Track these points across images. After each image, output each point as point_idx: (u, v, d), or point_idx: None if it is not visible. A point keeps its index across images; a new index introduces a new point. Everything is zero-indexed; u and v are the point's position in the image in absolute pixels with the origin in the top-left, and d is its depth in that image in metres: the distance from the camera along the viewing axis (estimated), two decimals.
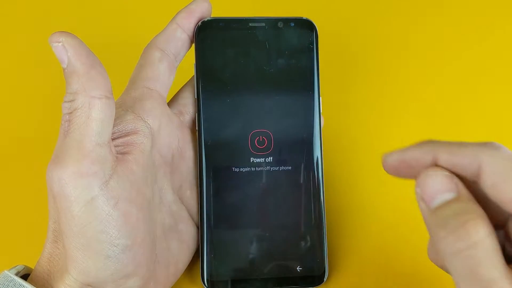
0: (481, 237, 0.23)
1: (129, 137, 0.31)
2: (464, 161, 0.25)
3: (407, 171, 0.27)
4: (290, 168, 0.36)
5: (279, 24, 0.36)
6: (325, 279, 0.36)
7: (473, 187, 0.25)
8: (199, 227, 0.35)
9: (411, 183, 0.40)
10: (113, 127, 0.30)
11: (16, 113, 0.44)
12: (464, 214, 0.23)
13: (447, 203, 0.24)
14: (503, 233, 0.26)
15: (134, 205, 0.29)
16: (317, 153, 0.36)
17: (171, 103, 0.36)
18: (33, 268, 0.31)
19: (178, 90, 0.37)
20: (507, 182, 0.24)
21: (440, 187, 0.25)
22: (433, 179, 0.25)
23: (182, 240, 0.34)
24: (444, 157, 0.25)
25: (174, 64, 0.35)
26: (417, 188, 0.25)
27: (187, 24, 0.35)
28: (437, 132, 0.43)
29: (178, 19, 0.35)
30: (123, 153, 0.30)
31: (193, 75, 0.36)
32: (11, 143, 0.43)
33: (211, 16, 0.36)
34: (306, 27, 0.37)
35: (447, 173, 0.25)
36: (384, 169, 0.28)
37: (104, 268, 0.28)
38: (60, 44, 0.27)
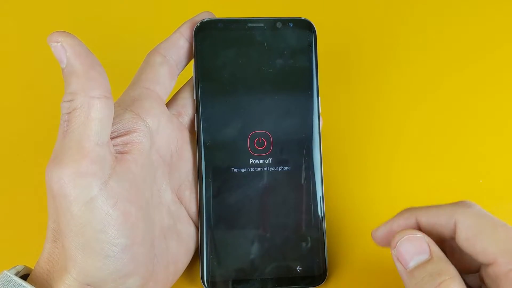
0: None
1: (128, 136, 0.31)
2: (442, 221, 0.28)
3: None
4: (289, 168, 0.36)
5: (277, 24, 0.36)
6: (325, 279, 0.36)
7: (451, 242, 0.29)
8: (199, 228, 0.35)
9: (410, 184, 0.41)
10: (112, 125, 0.30)
11: (15, 113, 0.45)
12: (438, 275, 0.26)
13: (422, 264, 0.27)
14: (478, 275, 0.30)
15: (133, 204, 0.29)
16: (316, 153, 0.36)
17: (169, 104, 0.36)
18: (32, 268, 0.31)
19: (176, 91, 0.37)
20: (478, 236, 0.27)
21: (414, 250, 0.28)
22: (407, 243, 0.28)
23: (181, 240, 0.34)
24: (424, 220, 0.29)
25: (175, 70, 0.35)
26: (392, 251, 0.28)
27: (191, 35, 0.36)
28: (435, 131, 0.43)
29: (182, 29, 0.36)
30: (122, 153, 0.30)
31: (192, 76, 0.36)
32: (10, 143, 0.43)
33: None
34: (304, 27, 0.37)
35: (419, 234, 0.28)
36: (376, 243, 0.31)
37: (103, 267, 0.28)
38: (59, 44, 0.27)
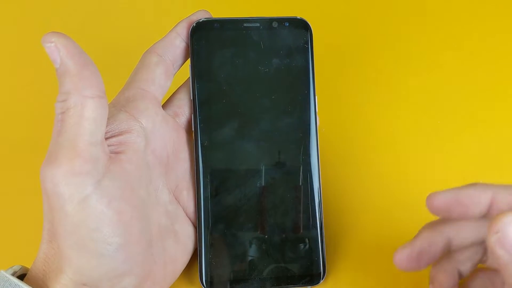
0: None
1: (122, 136, 0.31)
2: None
3: (458, 210, 0.28)
4: (287, 168, 0.36)
5: (273, 24, 0.36)
6: (323, 278, 0.36)
7: None
8: (197, 228, 0.35)
9: (409, 182, 0.40)
10: (106, 126, 0.30)
11: (11, 113, 0.45)
12: None
13: None
14: None
15: (128, 204, 0.29)
16: (314, 152, 0.36)
17: (166, 104, 0.36)
18: (29, 268, 0.31)
19: (173, 92, 0.37)
20: None
21: None
22: None
23: (179, 240, 0.34)
24: (503, 196, 0.27)
25: (171, 70, 0.35)
26: (493, 236, 0.25)
27: (187, 34, 0.36)
28: (434, 131, 0.43)
29: (179, 29, 0.36)
30: (117, 153, 0.30)
31: (189, 77, 0.36)
32: (7, 144, 0.43)
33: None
34: (300, 26, 0.37)
35: None
36: (430, 208, 0.29)
37: (99, 266, 0.28)
38: (52, 44, 0.27)
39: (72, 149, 0.27)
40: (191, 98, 0.36)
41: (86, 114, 0.28)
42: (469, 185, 0.28)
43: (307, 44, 0.37)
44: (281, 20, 0.37)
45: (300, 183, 0.36)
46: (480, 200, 0.27)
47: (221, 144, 0.36)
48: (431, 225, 0.30)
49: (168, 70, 0.35)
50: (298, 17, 0.37)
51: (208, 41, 0.36)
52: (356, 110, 0.44)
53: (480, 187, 0.28)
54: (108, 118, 0.30)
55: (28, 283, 0.29)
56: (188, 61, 0.36)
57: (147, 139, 0.33)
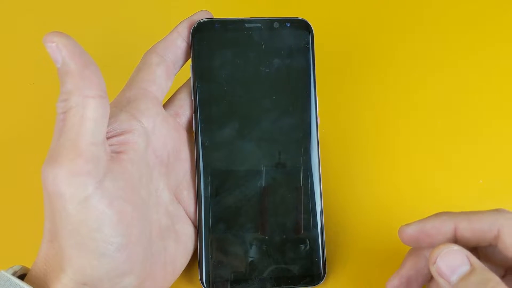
0: None
1: (123, 136, 0.31)
2: (483, 227, 0.29)
3: (426, 241, 0.30)
4: (287, 168, 0.36)
5: (275, 24, 0.36)
6: (323, 278, 0.36)
7: (486, 248, 0.30)
8: (198, 228, 0.35)
9: (410, 182, 0.40)
10: (108, 126, 0.30)
11: (11, 113, 0.45)
12: (486, 283, 0.26)
13: (465, 276, 0.27)
14: None
15: (129, 204, 0.29)
16: (314, 153, 0.36)
17: (167, 104, 0.36)
18: (30, 268, 0.31)
19: (174, 92, 0.37)
20: None
21: (455, 263, 0.28)
22: (446, 257, 0.28)
23: (179, 240, 0.34)
24: (463, 225, 0.29)
25: (172, 70, 0.35)
26: (432, 267, 0.28)
27: (189, 34, 0.36)
28: (434, 131, 0.43)
29: (180, 29, 0.36)
30: (118, 153, 0.30)
31: (190, 77, 0.36)
32: (7, 144, 0.43)
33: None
34: (302, 27, 0.37)
35: (456, 247, 0.28)
36: (402, 240, 0.31)
37: (99, 266, 0.28)
38: (54, 44, 0.27)
39: (73, 149, 0.27)
40: (192, 98, 0.36)
41: (88, 114, 0.28)
42: (434, 215, 0.31)
43: (308, 45, 0.37)
44: (282, 21, 0.37)
45: (301, 184, 0.36)
46: (444, 230, 0.30)
47: (222, 144, 0.36)
48: (415, 251, 0.32)
49: (169, 70, 0.35)
50: (300, 17, 0.37)
51: (209, 41, 0.36)
52: (356, 110, 0.44)
53: (444, 217, 0.30)
54: (109, 118, 0.30)
55: (28, 282, 0.29)
56: (189, 61, 0.36)
57: (148, 139, 0.33)
